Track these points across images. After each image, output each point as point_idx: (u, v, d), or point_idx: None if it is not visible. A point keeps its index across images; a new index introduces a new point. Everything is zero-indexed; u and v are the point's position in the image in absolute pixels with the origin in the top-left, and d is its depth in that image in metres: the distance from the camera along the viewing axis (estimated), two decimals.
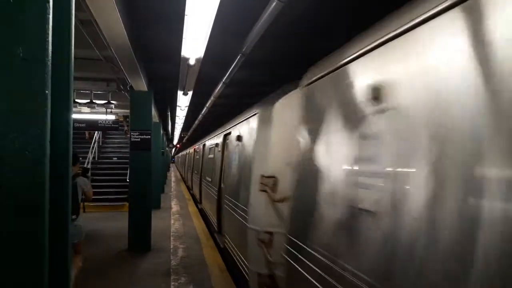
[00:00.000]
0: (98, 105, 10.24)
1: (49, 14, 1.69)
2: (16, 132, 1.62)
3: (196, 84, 7.60)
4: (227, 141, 7.85)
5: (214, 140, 10.42)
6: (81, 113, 13.27)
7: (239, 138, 6.06)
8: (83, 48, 6.23)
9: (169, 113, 14.48)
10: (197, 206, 14.23)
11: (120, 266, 6.70)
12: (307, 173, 2.96)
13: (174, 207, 14.32)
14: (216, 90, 8.20)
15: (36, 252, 1.64)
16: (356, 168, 2.28)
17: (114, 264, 6.86)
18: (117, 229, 9.09)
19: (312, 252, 2.65)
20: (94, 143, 15.37)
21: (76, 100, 9.83)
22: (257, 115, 4.96)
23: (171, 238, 8.87)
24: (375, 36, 2.18)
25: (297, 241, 2.93)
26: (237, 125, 6.59)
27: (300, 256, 2.86)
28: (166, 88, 9.12)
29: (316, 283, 2.52)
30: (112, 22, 4.19)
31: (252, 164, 4.77)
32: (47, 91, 1.68)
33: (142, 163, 8.00)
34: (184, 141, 35.37)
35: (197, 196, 14.34)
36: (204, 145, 13.44)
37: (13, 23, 1.62)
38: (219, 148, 8.92)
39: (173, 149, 49.78)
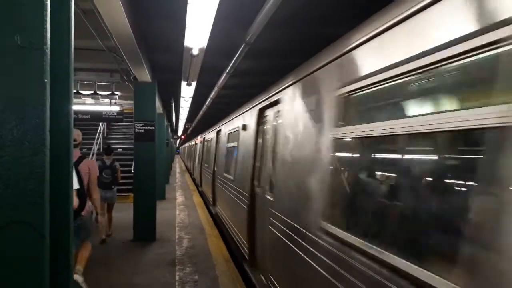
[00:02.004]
0: (102, 96, 10.22)
1: (46, 1, 1.66)
2: (15, 121, 1.60)
3: (200, 74, 7.54)
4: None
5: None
6: (85, 105, 13.26)
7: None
8: (86, 39, 6.18)
9: (173, 104, 14.45)
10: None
11: (125, 257, 6.73)
12: None
13: (179, 197, 14.36)
14: (220, 81, 8.14)
15: (36, 242, 1.62)
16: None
17: (119, 254, 6.89)
18: (122, 220, 9.13)
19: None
20: (99, 134, 15.39)
21: (80, 91, 9.81)
22: None
23: (176, 228, 8.90)
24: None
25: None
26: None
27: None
28: (169, 78, 9.07)
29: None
30: (114, 11, 4.15)
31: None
32: (46, 80, 1.65)
33: (146, 154, 8.00)
34: (188, 132, 35.37)
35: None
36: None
37: (10, 10, 1.59)
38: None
39: (178, 141, 49.80)
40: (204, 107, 13.79)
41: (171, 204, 12.61)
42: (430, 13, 1.88)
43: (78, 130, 4.73)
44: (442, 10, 1.80)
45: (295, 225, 3.51)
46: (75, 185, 4.17)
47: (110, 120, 13.31)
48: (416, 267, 1.80)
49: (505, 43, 1.45)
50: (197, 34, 5.00)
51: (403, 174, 2.25)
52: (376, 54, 2.40)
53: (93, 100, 10.78)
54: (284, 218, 3.85)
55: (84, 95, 10.19)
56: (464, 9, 1.69)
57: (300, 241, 3.31)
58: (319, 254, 2.89)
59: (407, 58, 1.99)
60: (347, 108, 2.72)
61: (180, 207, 12.03)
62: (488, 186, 1.56)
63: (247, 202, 5.82)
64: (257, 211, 5.48)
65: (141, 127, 7.98)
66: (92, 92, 9.89)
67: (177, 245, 7.44)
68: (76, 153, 4.74)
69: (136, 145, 8.09)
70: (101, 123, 15.57)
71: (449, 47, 1.70)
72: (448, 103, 1.92)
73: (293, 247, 3.48)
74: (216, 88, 9.28)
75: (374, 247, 2.17)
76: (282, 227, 3.88)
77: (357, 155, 2.78)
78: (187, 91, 9.71)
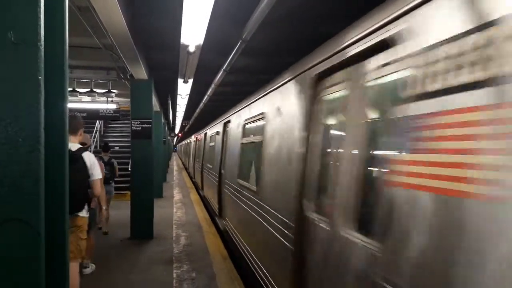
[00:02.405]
0: (99, 94, 10.19)
1: None
2: (9, 119, 1.59)
3: (196, 71, 7.53)
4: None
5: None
6: (82, 102, 13.22)
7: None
8: (82, 36, 6.15)
9: (170, 102, 14.42)
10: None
11: (122, 255, 6.72)
12: None
13: (176, 195, 14.35)
14: (217, 78, 8.13)
15: (32, 240, 1.62)
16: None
17: (117, 252, 6.88)
18: (119, 218, 9.11)
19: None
20: (96, 132, 15.36)
21: (77, 89, 9.78)
22: None
23: (174, 226, 8.90)
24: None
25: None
26: None
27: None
28: (166, 76, 9.04)
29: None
30: (110, 8, 4.12)
31: None
32: (40, 77, 1.64)
33: (143, 152, 7.99)
34: (185, 130, 35.32)
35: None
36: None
37: (3, 7, 1.57)
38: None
39: (175, 138, 49.72)
40: (201, 104, 13.76)
41: (168, 202, 12.60)
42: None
43: (87, 134, 5.66)
44: None
45: (235, 186, 6.49)
46: (99, 175, 4.45)
47: (106, 118, 13.30)
48: (252, 185, 5.28)
49: None
50: (193, 31, 4.99)
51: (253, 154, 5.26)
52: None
53: (89, 98, 10.75)
54: (231, 184, 6.96)
55: (81, 93, 10.15)
56: None
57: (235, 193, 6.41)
58: (236, 194, 6.26)
59: None
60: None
61: (178, 205, 12.02)
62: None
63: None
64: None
65: (138, 125, 7.96)
66: (89, 90, 9.85)
67: (174, 243, 7.44)
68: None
69: (133, 143, 8.07)
70: (97, 121, 15.53)
71: None
72: None
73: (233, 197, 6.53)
74: (213, 86, 9.25)
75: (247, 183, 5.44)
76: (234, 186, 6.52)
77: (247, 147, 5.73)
78: (184, 89, 9.68)
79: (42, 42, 1.62)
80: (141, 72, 7.38)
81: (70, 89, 9.49)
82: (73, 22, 2.04)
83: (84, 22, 5.42)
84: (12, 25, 1.57)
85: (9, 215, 1.61)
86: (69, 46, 2.04)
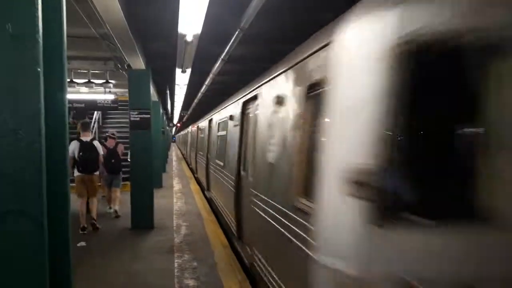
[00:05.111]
0: (96, 84, 10.14)
1: None
2: (9, 112, 1.59)
3: (194, 61, 7.49)
4: None
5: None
6: (80, 93, 13.16)
7: None
8: (78, 26, 6.09)
9: (168, 92, 14.37)
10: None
11: (123, 245, 6.77)
12: None
13: (176, 185, 14.39)
14: (215, 67, 8.10)
15: (34, 231, 1.63)
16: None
17: (118, 243, 6.93)
18: (119, 208, 9.14)
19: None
20: (94, 123, 15.32)
21: (74, 80, 9.73)
22: None
23: (174, 216, 8.94)
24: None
25: None
26: None
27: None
28: (164, 66, 9.00)
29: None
30: None
31: None
32: (39, 69, 1.64)
33: (142, 142, 7.99)
34: (184, 120, 35.27)
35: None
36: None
37: (0, 0, 1.56)
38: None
39: (174, 128, 49.67)
40: (200, 94, 13.73)
41: (168, 192, 12.64)
42: None
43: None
44: None
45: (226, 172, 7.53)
46: (101, 153, 7.90)
47: (105, 108, 13.23)
48: (220, 161, 8.37)
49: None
50: (191, 20, 4.95)
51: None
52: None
53: (87, 88, 10.69)
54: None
55: (78, 84, 10.11)
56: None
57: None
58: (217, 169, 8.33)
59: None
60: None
61: (178, 195, 12.06)
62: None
63: None
64: None
65: (136, 115, 7.95)
66: (86, 80, 9.81)
67: (175, 232, 7.49)
68: (111, 142, 8.79)
69: (131, 134, 8.06)
70: (96, 112, 15.47)
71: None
72: None
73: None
74: (211, 75, 9.23)
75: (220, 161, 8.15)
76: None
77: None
78: (182, 78, 9.65)
79: (41, 34, 1.62)
80: (138, 62, 7.35)
81: (68, 80, 9.44)
82: (69, 12, 2.03)
83: (80, 12, 5.37)
84: (10, 18, 1.56)
85: (11, 207, 1.62)
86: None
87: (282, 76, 3.87)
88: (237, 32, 5.42)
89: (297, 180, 3.14)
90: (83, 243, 6.59)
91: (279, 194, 3.67)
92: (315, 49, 2.94)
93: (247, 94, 5.88)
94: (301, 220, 2.88)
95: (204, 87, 11.45)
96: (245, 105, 6.15)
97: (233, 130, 7.15)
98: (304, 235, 2.77)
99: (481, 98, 2.00)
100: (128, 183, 8.58)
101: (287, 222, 3.28)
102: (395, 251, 1.98)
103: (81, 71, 9.62)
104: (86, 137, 7.58)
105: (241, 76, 10.68)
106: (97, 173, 7.73)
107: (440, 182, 2.12)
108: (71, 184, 8.61)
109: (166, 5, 5.13)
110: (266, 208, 4.10)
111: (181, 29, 5.31)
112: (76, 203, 7.02)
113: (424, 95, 2.12)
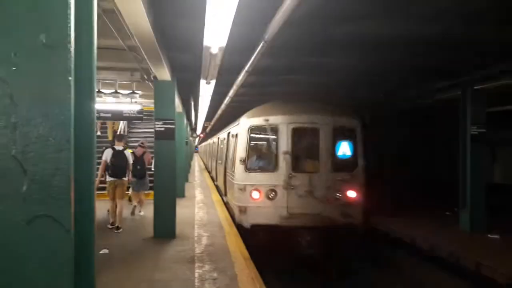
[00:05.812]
0: (123, 95, 10.37)
1: (70, 1, 1.69)
2: (40, 118, 1.63)
3: (218, 73, 7.58)
4: None
5: None
6: (107, 103, 13.46)
7: None
8: (107, 38, 6.29)
9: (192, 103, 14.56)
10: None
11: (145, 254, 6.82)
12: None
13: (198, 196, 14.48)
14: (239, 79, 8.16)
15: (61, 236, 1.66)
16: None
17: (140, 251, 6.99)
18: (142, 217, 9.26)
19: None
20: (120, 132, 15.63)
21: (101, 90, 9.98)
22: None
23: (195, 226, 8.98)
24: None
25: None
26: None
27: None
28: (189, 77, 9.14)
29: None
30: (135, 11, 4.20)
31: None
32: (70, 78, 1.69)
33: (166, 152, 8.10)
34: (207, 131, 35.56)
35: None
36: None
37: (35, 10, 1.62)
38: None
39: (197, 139, 50.16)
40: (223, 105, 13.85)
41: (190, 202, 12.73)
42: None
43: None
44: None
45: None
46: (131, 161, 9.26)
47: (130, 118, 13.48)
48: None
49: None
50: (216, 33, 5.01)
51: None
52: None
53: (114, 98, 10.94)
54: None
55: (105, 94, 10.36)
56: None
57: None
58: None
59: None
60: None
61: (199, 205, 12.13)
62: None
63: None
64: None
65: (161, 126, 8.07)
66: (113, 91, 10.04)
67: (196, 242, 7.51)
68: (140, 150, 10.17)
69: (156, 143, 8.19)
70: (121, 122, 15.80)
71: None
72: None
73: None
74: (234, 87, 9.30)
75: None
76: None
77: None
78: (206, 90, 9.76)
79: (73, 44, 1.67)
80: (164, 73, 7.48)
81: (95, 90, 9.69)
82: (98, 24, 2.08)
83: (109, 24, 5.54)
84: (44, 28, 1.62)
85: (39, 212, 1.66)
86: None
87: (232, 128, 11.06)
88: (261, 44, 5.46)
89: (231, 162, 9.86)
90: (105, 251, 6.67)
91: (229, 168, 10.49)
92: (236, 124, 9.83)
93: (231, 127, 11.91)
94: (231, 172, 9.24)
95: (227, 98, 11.54)
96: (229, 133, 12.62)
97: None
98: (231, 176, 9.10)
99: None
100: (151, 192, 8.74)
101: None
102: (250, 178, 8.15)
103: (109, 81, 9.87)
104: (119, 146, 8.85)
105: (265, 87, 10.73)
106: (125, 178, 8.81)
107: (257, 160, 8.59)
108: (103, 185, 7.92)
109: (192, 19, 5.23)
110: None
111: (207, 41, 5.38)
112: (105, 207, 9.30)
113: (252, 142, 8.44)
